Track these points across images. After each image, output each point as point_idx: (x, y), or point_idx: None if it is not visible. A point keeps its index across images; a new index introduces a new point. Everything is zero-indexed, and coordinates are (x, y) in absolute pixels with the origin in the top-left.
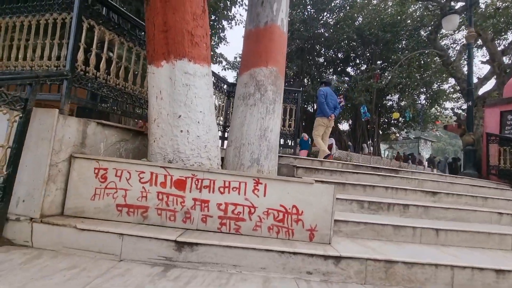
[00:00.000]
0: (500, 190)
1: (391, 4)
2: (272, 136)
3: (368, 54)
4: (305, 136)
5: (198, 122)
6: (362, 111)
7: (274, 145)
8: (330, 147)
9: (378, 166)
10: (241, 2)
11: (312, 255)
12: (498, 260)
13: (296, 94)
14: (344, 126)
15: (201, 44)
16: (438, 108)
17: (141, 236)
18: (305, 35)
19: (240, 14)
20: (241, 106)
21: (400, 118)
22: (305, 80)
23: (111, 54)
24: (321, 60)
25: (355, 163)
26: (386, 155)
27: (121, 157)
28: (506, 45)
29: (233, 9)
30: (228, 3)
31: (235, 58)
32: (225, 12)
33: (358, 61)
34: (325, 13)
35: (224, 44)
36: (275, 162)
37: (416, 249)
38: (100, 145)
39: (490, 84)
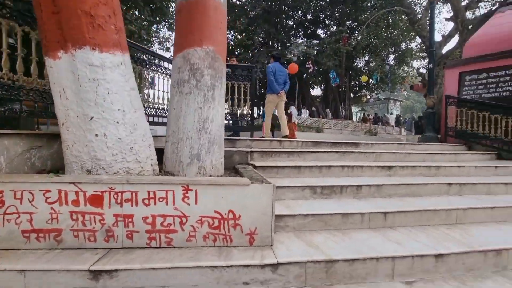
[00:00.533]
0: (455, 154)
1: None
2: (213, 127)
3: (337, 14)
4: None
5: (118, 122)
6: (331, 76)
7: (217, 136)
8: (290, 116)
9: (338, 141)
10: None
11: (247, 265)
12: (440, 242)
13: (249, 70)
14: (317, 91)
15: (107, 27)
16: (406, 68)
17: (47, 270)
18: None
19: None
20: (176, 96)
21: (370, 80)
22: (275, 46)
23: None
24: (290, 23)
25: (315, 140)
26: (358, 117)
27: (34, 168)
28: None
29: None
30: None
31: None
32: None
33: (327, 22)
34: None
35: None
36: (220, 155)
37: (363, 237)
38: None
39: (454, 41)
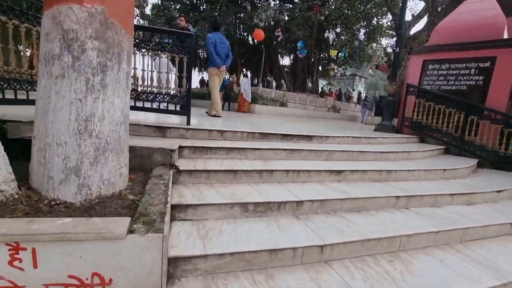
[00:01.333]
0: (408, 152)
1: None
2: (104, 128)
3: None
4: None
5: None
6: (298, 46)
7: (113, 139)
8: (243, 99)
9: (290, 134)
10: None
11: None
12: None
13: (186, 41)
14: (285, 61)
15: None
16: (374, 45)
17: None
18: None
19: None
20: (44, 77)
21: (340, 54)
22: (244, 5)
23: None
24: None
25: (264, 132)
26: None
27: None
28: None
29: None
30: None
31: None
32: None
33: None
34: None
35: None
36: (120, 164)
37: (291, 283)
38: None
39: (423, 22)
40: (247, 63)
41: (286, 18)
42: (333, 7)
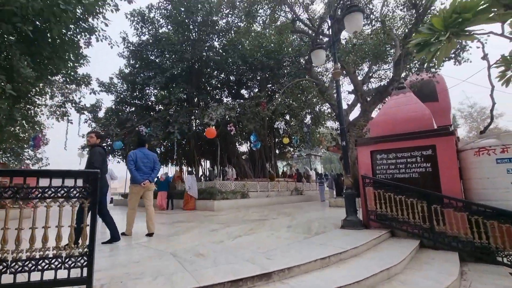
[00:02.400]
0: (387, 270)
1: (272, 32)
2: None
3: (258, 78)
4: (162, 177)
5: None
6: (252, 140)
7: None
8: (190, 196)
9: (242, 277)
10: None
11: None
12: None
13: (88, 179)
14: (243, 148)
15: None
16: (322, 129)
17: None
18: (187, 57)
19: (102, 29)
20: None
21: (293, 140)
22: (200, 104)
23: None
24: (214, 82)
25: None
26: (285, 170)
27: None
28: (364, 75)
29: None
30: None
31: (111, 78)
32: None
33: (250, 84)
34: (211, 36)
35: (84, 63)
36: None
37: None
38: None
39: (357, 109)
40: (205, 155)
41: (238, 113)
42: (279, 100)
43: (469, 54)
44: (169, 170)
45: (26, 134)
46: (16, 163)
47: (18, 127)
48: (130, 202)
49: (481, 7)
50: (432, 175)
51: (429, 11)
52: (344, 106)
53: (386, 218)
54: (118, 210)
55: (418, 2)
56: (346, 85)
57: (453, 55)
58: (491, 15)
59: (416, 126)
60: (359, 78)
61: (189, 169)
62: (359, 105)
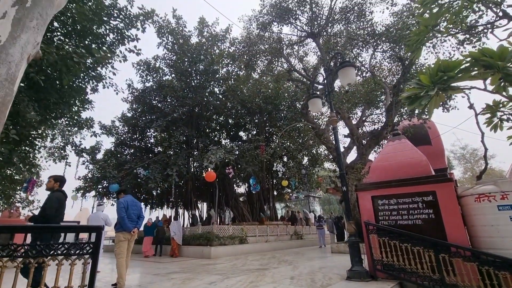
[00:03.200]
0: None
1: (270, 79)
2: None
3: (256, 121)
4: (149, 221)
5: None
6: (251, 183)
7: None
8: (174, 240)
9: None
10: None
11: None
12: None
13: (91, 236)
14: (241, 190)
15: None
16: (320, 171)
17: None
18: (188, 103)
19: (109, 77)
20: None
21: (291, 183)
22: (199, 145)
23: None
24: (213, 125)
25: None
26: (283, 214)
27: None
28: (358, 119)
29: (103, 70)
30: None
31: (113, 122)
32: (89, 72)
33: (248, 126)
34: (211, 83)
35: (89, 107)
36: None
37: None
38: None
39: (354, 151)
40: (202, 197)
41: (236, 155)
42: (276, 141)
43: (455, 102)
44: (164, 212)
45: (21, 175)
46: (5, 206)
47: (14, 170)
48: (120, 251)
49: (463, 66)
50: (436, 222)
51: (414, 65)
52: (341, 149)
53: (393, 269)
54: (108, 259)
55: (403, 56)
56: (341, 128)
57: (441, 104)
58: (473, 73)
59: (414, 172)
60: (354, 122)
61: (185, 213)
62: (355, 147)
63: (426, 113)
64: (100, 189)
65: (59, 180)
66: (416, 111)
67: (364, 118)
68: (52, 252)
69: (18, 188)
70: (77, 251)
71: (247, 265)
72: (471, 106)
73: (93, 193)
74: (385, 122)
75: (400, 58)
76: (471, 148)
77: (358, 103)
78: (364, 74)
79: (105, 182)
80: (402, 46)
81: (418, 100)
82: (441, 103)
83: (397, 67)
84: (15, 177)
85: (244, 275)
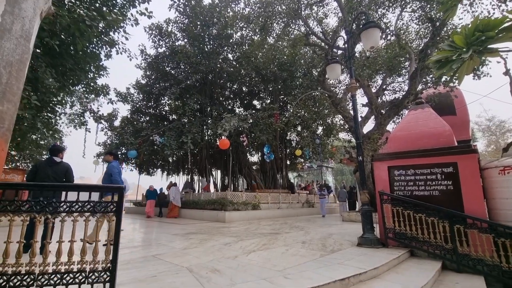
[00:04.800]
0: (401, 283)
1: (286, 44)
2: None
3: (271, 89)
4: (151, 187)
5: None
6: (265, 151)
7: None
8: (174, 205)
9: None
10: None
11: None
12: None
13: (113, 195)
14: (254, 158)
15: None
16: (334, 141)
17: None
18: (201, 69)
19: (122, 42)
20: None
21: (304, 153)
22: (213, 114)
23: None
24: (227, 93)
25: None
26: (296, 183)
27: None
28: (377, 87)
29: (116, 35)
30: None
31: (128, 89)
32: (102, 37)
33: (262, 95)
34: (225, 48)
35: (104, 74)
36: None
37: None
38: None
39: (371, 121)
40: (216, 164)
41: (250, 124)
42: (291, 110)
43: (488, 69)
44: (181, 179)
45: (45, 141)
46: None
47: (39, 135)
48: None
49: (505, 25)
50: (454, 194)
51: (445, 26)
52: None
53: (405, 237)
54: (129, 219)
55: (434, 16)
56: (360, 98)
57: (473, 69)
58: None
59: (436, 142)
60: (373, 90)
61: (184, 179)
62: (373, 117)
63: (455, 80)
64: (119, 155)
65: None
66: (443, 78)
67: (384, 87)
68: (79, 208)
69: (43, 152)
70: (102, 209)
71: (260, 229)
72: (506, 72)
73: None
74: (407, 91)
75: (430, 19)
76: (498, 120)
77: (380, 70)
78: (388, 38)
79: (123, 148)
80: (434, 5)
81: (449, 64)
82: (473, 69)
83: (426, 30)
84: (40, 142)
85: (257, 238)
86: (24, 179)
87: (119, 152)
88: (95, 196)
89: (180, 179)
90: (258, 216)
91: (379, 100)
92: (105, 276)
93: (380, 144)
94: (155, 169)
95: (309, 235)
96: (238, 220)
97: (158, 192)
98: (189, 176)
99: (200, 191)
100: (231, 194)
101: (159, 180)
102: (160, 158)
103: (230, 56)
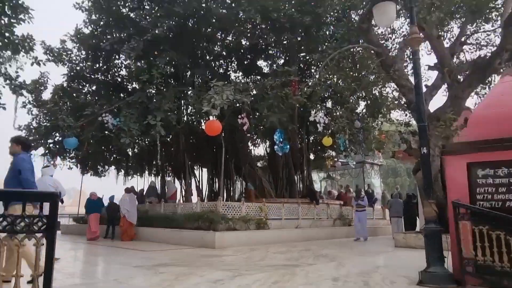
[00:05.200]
0: None
1: None
2: None
3: (285, 42)
4: (94, 194)
5: None
6: (276, 139)
7: None
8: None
9: None
10: None
11: None
12: None
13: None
14: (259, 150)
15: None
16: (382, 122)
17: None
18: (177, 12)
19: None
20: None
21: (337, 142)
22: (195, 81)
23: None
24: (217, 49)
25: None
26: (323, 188)
27: None
28: (453, 39)
29: None
30: None
31: (63, 42)
32: None
33: (272, 52)
34: None
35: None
36: None
37: None
38: None
39: (442, 93)
40: (201, 160)
41: (253, 97)
42: (317, 76)
43: None
44: (146, 182)
45: None
46: None
47: None
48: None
49: None
50: None
51: None
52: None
53: (492, 272)
54: (68, 242)
55: None
56: (425, 56)
57: None
58: None
59: None
60: (446, 44)
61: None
62: (445, 87)
63: None
64: (51, 145)
65: None
66: None
67: (463, 39)
68: None
69: None
70: (25, 228)
71: (268, 259)
72: None
73: (41, 150)
74: (499, 45)
75: None
76: None
77: (456, 13)
78: None
79: (56, 134)
80: None
81: None
82: None
83: None
84: None
85: (264, 273)
86: None
87: (50, 140)
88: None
89: (145, 182)
90: (265, 239)
91: (454, 59)
92: None
93: (455, 128)
94: (106, 167)
95: (343, 269)
96: (234, 245)
97: (108, 201)
98: (159, 177)
99: (178, 201)
100: (224, 205)
101: (112, 184)
102: (114, 150)
103: None
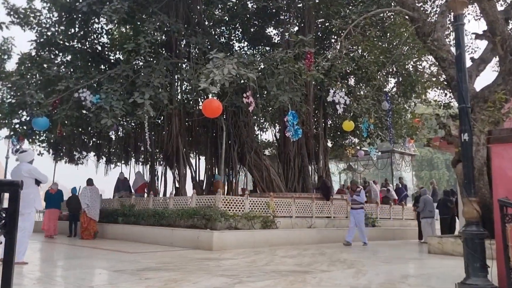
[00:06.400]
0: None
1: None
2: None
3: (300, 5)
4: (52, 188)
5: None
6: (289, 122)
7: None
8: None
9: None
10: None
11: None
12: None
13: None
14: (267, 136)
15: None
16: (416, 103)
17: None
18: None
19: None
20: None
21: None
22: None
23: None
24: (218, 13)
25: None
26: (343, 182)
27: None
28: (507, 0)
29: None
30: None
31: (30, 1)
32: None
33: (283, 17)
34: None
35: None
36: None
37: None
38: None
39: (491, 68)
40: (197, 147)
41: (260, 70)
42: (337, 47)
43: None
44: (132, 171)
45: None
46: None
47: None
48: None
49: None
50: None
51: None
52: (468, 62)
53: None
54: (38, 242)
55: None
56: (472, 22)
57: None
58: None
59: None
60: (500, 7)
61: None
62: (495, 60)
63: None
64: (17, 126)
65: None
66: None
67: None
68: None
69: None
70: None
71: (275, 264)
72: None
73: (4, 131)
74: None
75: None
76: None
77: None
78: None
79: (24, 113)
80: None
81: None
82: None
83: None
84: None
85: (269, 280)
86: None
87: (16, 120)
88: None
89: (131, 171)
90: (272, 240)
91: (509, 25)
92: None
93: (507, 112)
94: (84, 154)
95: (364, 278)
96: (235, 247)
97: (70, 194)
98: (148, 166)
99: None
100: (225, 199)
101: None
102: (93, 134)
103: None
